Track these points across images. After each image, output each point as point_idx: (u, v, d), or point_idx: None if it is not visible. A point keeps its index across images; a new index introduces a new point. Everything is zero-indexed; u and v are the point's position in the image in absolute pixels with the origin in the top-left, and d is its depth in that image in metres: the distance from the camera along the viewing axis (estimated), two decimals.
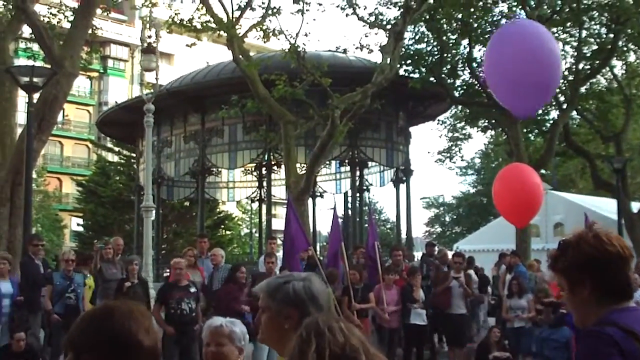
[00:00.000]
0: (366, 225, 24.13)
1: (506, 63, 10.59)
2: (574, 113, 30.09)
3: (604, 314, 2.82)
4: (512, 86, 10.72)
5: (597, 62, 26.85)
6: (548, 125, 29.32)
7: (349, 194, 29.75)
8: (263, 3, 21.57)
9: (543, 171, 32.72)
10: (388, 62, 20.52)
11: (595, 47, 27.74)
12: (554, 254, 3.02)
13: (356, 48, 22.61)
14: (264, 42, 22.19)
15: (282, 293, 3.24)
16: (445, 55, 25.87)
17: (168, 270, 16.44)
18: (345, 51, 23.59)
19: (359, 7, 22.57)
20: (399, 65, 22.93)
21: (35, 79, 14.99)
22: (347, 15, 22.19)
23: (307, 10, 20.90)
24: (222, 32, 21.07)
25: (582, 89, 28.20)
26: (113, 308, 2.53)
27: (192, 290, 12.57)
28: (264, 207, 32.37)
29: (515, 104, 11.09)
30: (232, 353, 4.53)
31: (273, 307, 3.25)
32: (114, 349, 2.41)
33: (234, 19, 21.25)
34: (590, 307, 2.89)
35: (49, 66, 18.70)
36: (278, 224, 35.32)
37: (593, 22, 27.41)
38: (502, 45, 10.98)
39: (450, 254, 18.99)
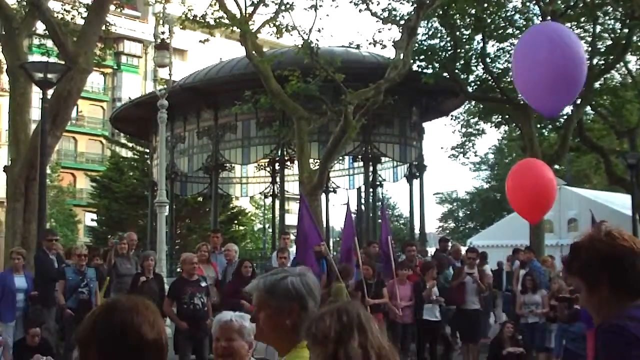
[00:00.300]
0: (379, 220, 24.10)
1: (533, 64, 10.74)
2: (588, 108, 29.98)
3: (622, 311, 2.80)
4: (539, 86, 10.84)
5: (612, 57, 26.72)
6: (562, 120, 29.19)
7: (362, 189, 29.74)
8: None
9: (557, 167, 32.65)
10: (401, 57, 20.50)
11: (609, 42, 27.62)
12: (567, 259, 2.99)
13: (369, 44, 22.61)
14: (277, 37, 22.19)
15: (282, 289, 3.24)
16: (458, 50, 25.79)
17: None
18: (358, 47, 23.56)
19: (372, 3, 22.60)
20: (412, 61, 22.87)
21: (49, 75, 15.02)
22: (360, 10, 22.22)
23: (320, 5, 20.89)
24: (235, 28, 21.08)
25: (597, 84, 28.07)
26: (116, 303, 2.56)
27: (203, 284, 12.62)
28: (277, 202, 32.42)
29: (541, 103, 11.22)
30: (242, 348, 4.52)
31: (273, 304, 3.24)
32: (118, 344, 2.43)
33: (247, 15, 21.25)
34: (610, 306, 2.84)
35: (62, 62, 18.78)
36: (291, 219, 35.36)
37: (607, 17, 27.30)
38: (530, 47, 11.14)
39: (463, 249, 18.96)
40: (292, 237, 19.98)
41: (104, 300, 2.87)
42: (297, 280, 3.27)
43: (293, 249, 16.43)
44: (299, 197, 20.67)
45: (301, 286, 3.25)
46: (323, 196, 26.97)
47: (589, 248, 2.89)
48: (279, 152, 26.58)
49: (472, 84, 27.56)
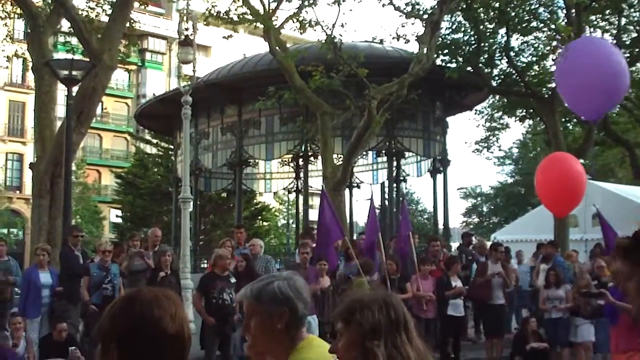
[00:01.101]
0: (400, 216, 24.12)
1: (578, 72, 11.04)
2: None
3: None
4: (583, 91, 11.14)
5: (637, 50, 26.52)
6: None
7: (386, 184, 29.71)
8: None
9: (582, 161, 32.43)
10: (425, 52, 20.45)
11: (634, 34, 27.41)
12: (625, 244, 2.84)
13: (393, 38, 22.58)
14: (301, 33, 22.22)
15: (269, 294, 3.23)
16: (482, 44, 25.67)
17: (206, 261, 16.56)
18: (381, 41, 23.53)
19: None
20: (435, 55, 22.80)
21: (74, 72, 15.13)
22: (383, 5, 22.13)
23: (343, 1, 20.87)
24: (258, 24, 21.12)
25: None
26: (136, 295, 2.55)
27: (233, 280, 12.64)
28: (300, 198, 32.45)
29: (584, 108, 11.52)
30: None
31: (261, 310, 3.22)
32: (137, 336, 2.42)
33: (271, 11, 21.29)
34: None
35: (87, 59, 18.90)
36: (315, 214, 35.35)
37: (633, 10, 27.08)
38: (575, 57, 11.44)
39: (488, 244, 18.91)
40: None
41: (126, 291, 2.87)
42: (284, 284, 3.27)
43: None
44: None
45: (288, 290, 3.24)
46: (347, 191, 26.96)
47: None
48: (303, 147, 26.60)
49: (496, 77, 27.42)
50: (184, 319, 2.53)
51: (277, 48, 20.78)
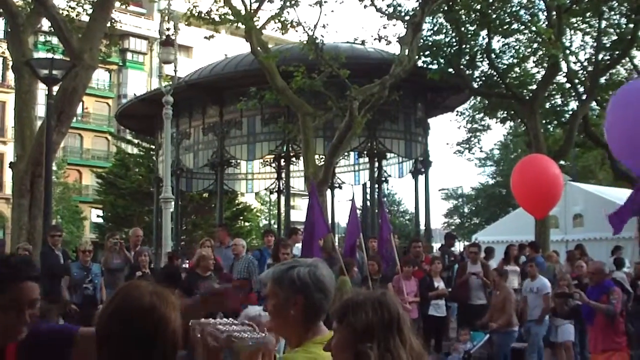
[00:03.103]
0: (379, 220, 24.13)
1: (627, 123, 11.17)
2: (594, 104, 29.92)
3: None
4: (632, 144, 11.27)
5: (617, 52, 26.67)
6: (567, 116, 29.17)
7: (368, 185, 29.72)
8: None
9: (562, 162, 32.59)
10: (406, 53, 20.48)
11: (614, 37, 27.56)
12: None
13: (374, 39, 22.56)
14: (282, 33, 22.21)
15: (288, 279, 3.24)
16: (463, 46, 25.76)
17: (187, 262, 16.54)
18: (363, 42, 23.53)
19: None
20: (417, 57, 22.82)
21: (54, 72, 15.06)
22: (365, 6, 22.14)
23: (325, 1, 20.94)
24: (240, 24, 21.08)
25: (602, 80, 28.02)
26: (138, 288, 2.53)
27: (215, 281, 12.63)
28: (282, 198, 32.42)
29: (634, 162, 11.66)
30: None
31: (280, 294, 3.25)
32: (141, 329, 2.41)
33: (252, 11, 21.26)
34: None
35: (68, 59, 18.80)
36: (296, 215, 35.39)
37: (613, 12, 27.23)
38: (623, 106, 11.59)
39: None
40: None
41: (126, 283, 2.85)
42: (305, 271, 3.27)
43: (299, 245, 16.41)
44: (304, 193, 20.68)
45: (307, 278, 3.24)
46: (328, 192, 26.96)
47: None
48: (284, 148, 26.58)
49: (478, 79, 27.51)
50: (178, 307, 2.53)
51: (259, 48, 20.75)
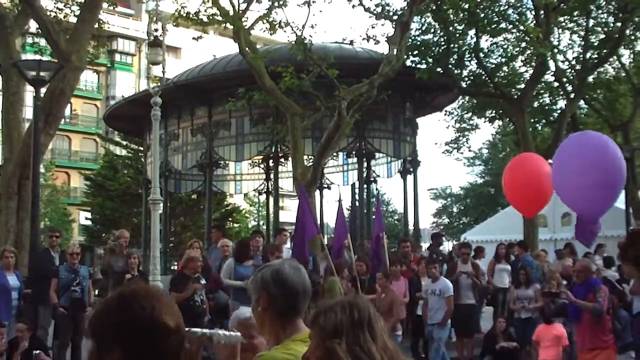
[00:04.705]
0: (374, 217, 24.07)
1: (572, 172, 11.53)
2: (582, 102, 30.03)
3: None
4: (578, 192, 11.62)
5: (605, 51, 26.79)
6: (556, 114, 29.27)
7: (357, 185, 29.70)
8: None
9: (550, 161, 32.66)
10: (395, 53, 20.47)
11: (602, 36, 27.68)
12: (624, 243, 2.92)
13: (363, 39, 22.54)
14: (271, 34, 22.17)
15: (255, 280, 3.54)
16: (452, 45, 25.80)
17: (176, 263, 16.54)
18: (351, 42, 23.53)
19: None
20: (405, 56, 22.83)
21: (42, 73, 14.98)
22: (353, 6, 22.12)
23: (313, 1, 20.86)
24: (228, 25, 21.05)
25: (590, 78, 28.14)
26: (135, 292, 2.51)
27: (203, 282, 12.67)
28: (271, 199, 32.37)
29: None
30: (262, 345, 4.54)
31: (253, 296, 3.53)
32: (143, 333, 2.39)
33: (240, 12, 21.22)
34: None
35: (55, 60, 18.76)
36: (285, 216, 35.34)
37: (600, 11, 27.35)
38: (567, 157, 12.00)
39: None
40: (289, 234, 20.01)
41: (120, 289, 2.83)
42: (267, 271, 3.54)
43: (287, 246, 16.43)
44: (293, 193, 20.67)
45: (268, 276, 3.50)
46: (317, 193, 26.94)
47: None
48: (273, 148, 26.54)
49: (466, 79, 27.58)
50: (179, 311, 2.51)
51: (247, 49, 20.72)
